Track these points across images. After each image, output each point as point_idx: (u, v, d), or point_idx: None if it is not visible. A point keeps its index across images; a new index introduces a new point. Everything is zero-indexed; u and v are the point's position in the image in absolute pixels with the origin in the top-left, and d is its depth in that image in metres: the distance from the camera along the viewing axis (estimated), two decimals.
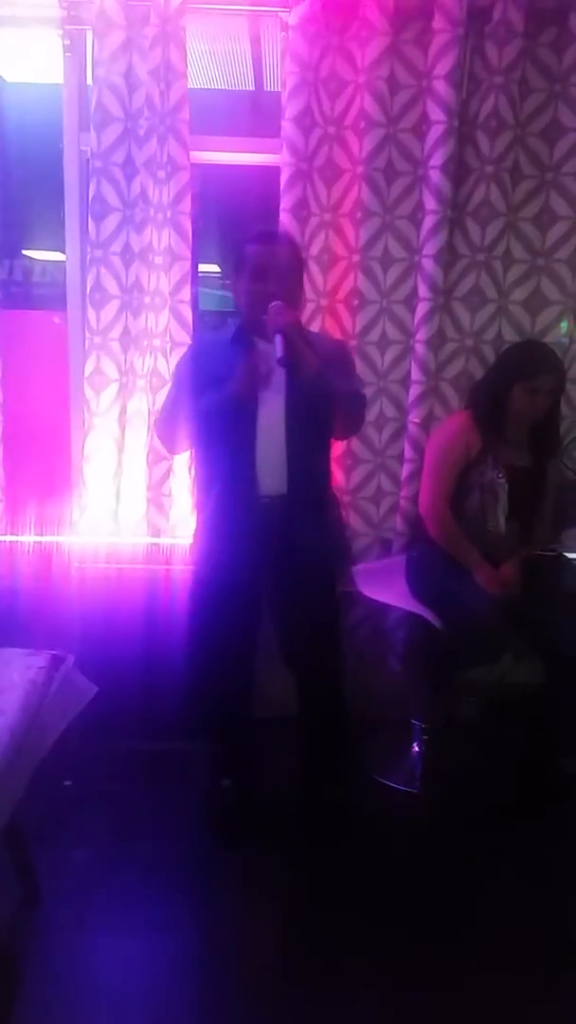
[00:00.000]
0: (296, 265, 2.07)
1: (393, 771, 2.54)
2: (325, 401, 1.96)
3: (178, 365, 2.22)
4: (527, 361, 2.33)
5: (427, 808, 2.44)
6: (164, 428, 2.20)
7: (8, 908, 1.95)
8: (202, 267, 4.19)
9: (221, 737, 2.39)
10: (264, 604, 2.20)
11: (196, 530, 2.18)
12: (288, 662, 2.26)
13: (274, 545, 2.03)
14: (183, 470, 2.67)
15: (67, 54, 2.50)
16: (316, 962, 1.85)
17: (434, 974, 1.82)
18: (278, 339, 1.86)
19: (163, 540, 2.69)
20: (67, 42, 2.48)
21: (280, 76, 2.48)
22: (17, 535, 2.72)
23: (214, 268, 4.64)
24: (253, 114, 3.12)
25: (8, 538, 2.70)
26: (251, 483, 2.01)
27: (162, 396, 2.64)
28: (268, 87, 3.09)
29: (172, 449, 2.32)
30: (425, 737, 2.63)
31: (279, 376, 1.98)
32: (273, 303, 1.91)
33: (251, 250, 2.02)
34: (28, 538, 2.70)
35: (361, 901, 2.04)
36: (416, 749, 2.63)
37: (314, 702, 2.28)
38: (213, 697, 2.31)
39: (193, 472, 2.21)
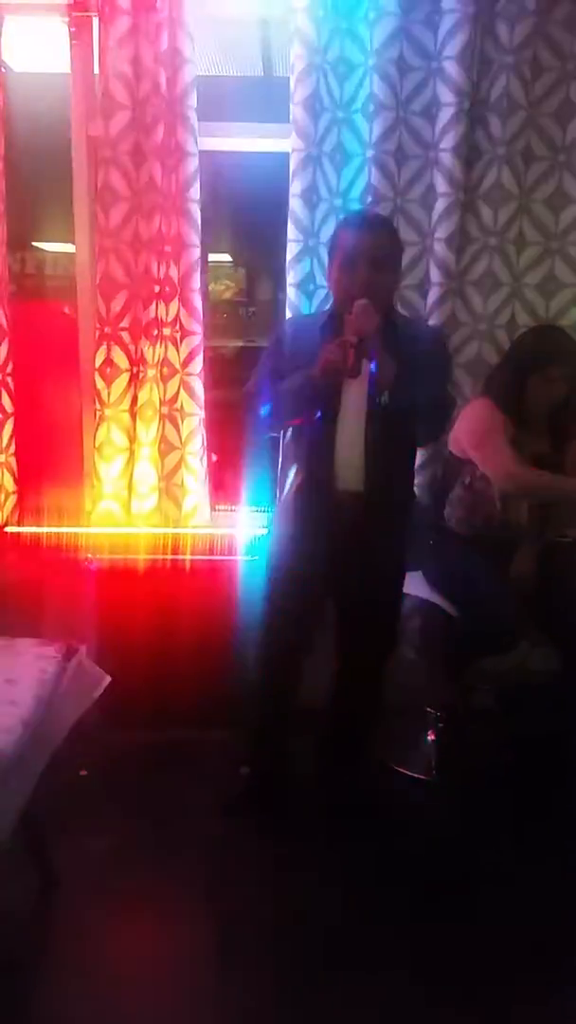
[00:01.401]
0: (390, 254, 1.96)
1: (408, 759, 2.54)
2: (403, 409, 1.88)
3: (269, 344, 2.14)
4: (541, 350, 2.31)
5: (442, 796, 2.43)
6: (259, 406, 2.08)
7: (26, 896, 1.96)
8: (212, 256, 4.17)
9: (257, 727, 2.35)
10: (330, 599, 2.19)
11: (273, 520, 2.17)
12: (341, 655, 2.26)
13: (346, 541, 2.01)
14: (195, 460, 2.67)
15: (73, 42, 2.48)
16: (328, 948, 1.84)
17: (446, 962, 1.81)
18: (350, 350, 1.80)
19: (175, 530, 2.68)
20: (73, 29, 2.47)
21: (288, 60, 2.45)
22: (30, 526, 2.72)
23: (225, 256, 4.62)
24: (262, 100, 3.09)
25: (21, 529, 2.71)
26: (329, 477, 1.98)
27: (173, 386, 2.64)
28: (277, 72, 3.06)
29: (267, 427, 2.18)
30: (440, 725, 2.62)
31: (365, 370, 1.89)
32: (358, 301, 1.83)
33: (342, 236, 1.95)
34: (41, 529, 2.70)
35: (375, 889, 2.03)
36: (431, 737, 2.62)
37: (355, 696, 2.28)
38: (261, 688, 2.28)
39: (279, 460, 2.16)
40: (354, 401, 1.95)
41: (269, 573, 2.18)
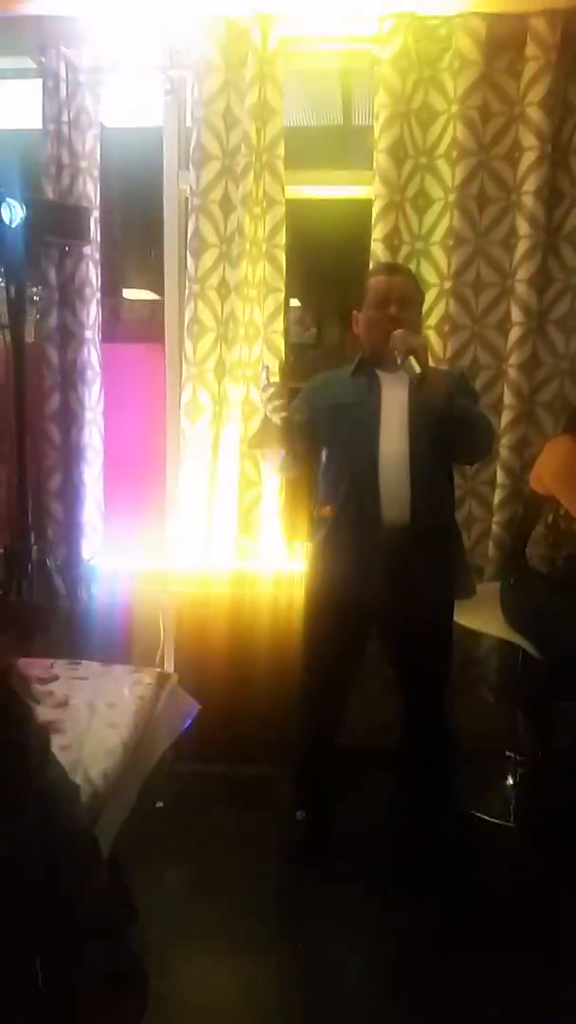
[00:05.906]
0: (417, 295, 2.16)
1: (487, 803, 2.48)
2: (454, 424, 1.97)
3: (299, 398, 2.22)
4: None
5: (521, 842, 2.37)
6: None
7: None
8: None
9: (303, 768, 2.34)
10: (377, 634, 2.20)
11: (313, 557, 2.19)
12: (402, 691, 2.25)
13: (395, 576, 2.02)
14: (272, 497, 2.70)
15: (168, 97, 2.61)
16: (403, 991, 1.81)
17: (530, 1009, 1.76)
18: (411, 359, 1.90)
19: (254, 564, 2.71)
20: (168, 86, 2.59)
21: (371, 109, 2.53)
22: (116, 559, 2.79)
23: (295, 302, 4.71)
24: (341, 148, 3.18)
25: (108, 561, 2.77)
26: (375, 514, 2.02)
27: (254, 424, 2.70)
28: (356, 121, 3.16)
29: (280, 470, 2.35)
30: (520, 769, 2.56)
31: (402, 404, 2.03)
32: (397, 330, 1.95)
33: (373, 281, 2.11)
34: (126, 561, 2.77)
35: (453, 935, 1.99)
36: (510, 781, 2.56)
37: (424, 734, 2.26)
38: (306, 726, 2.29)
39: (315, 500, 2.22)
40: (394, 436, 2.02)
41: (311, 610, 2.20)
